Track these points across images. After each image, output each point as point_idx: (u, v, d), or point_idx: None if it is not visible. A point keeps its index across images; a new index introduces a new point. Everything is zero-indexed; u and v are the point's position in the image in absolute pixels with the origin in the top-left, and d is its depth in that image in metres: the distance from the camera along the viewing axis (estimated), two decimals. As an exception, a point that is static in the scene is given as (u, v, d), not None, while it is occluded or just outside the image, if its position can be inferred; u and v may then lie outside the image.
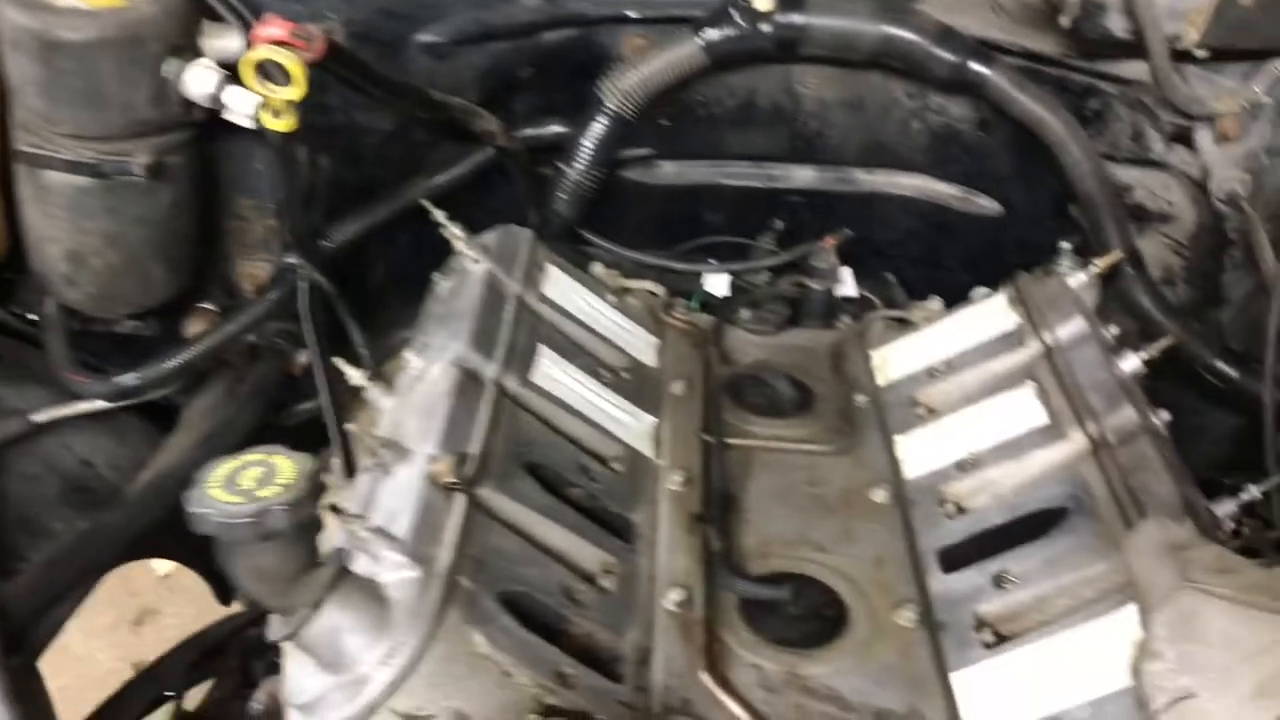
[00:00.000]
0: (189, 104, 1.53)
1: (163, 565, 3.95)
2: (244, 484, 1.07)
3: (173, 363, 1.71)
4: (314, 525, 1.10)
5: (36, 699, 1.49)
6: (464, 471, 1.33)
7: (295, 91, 1.38)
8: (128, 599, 3.78)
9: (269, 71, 1.38)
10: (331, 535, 1.22)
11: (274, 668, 1.87)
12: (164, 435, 2.00)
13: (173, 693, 1.80)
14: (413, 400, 1.53)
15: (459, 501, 1.30)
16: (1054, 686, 1.24)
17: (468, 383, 1.50)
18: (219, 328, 1.74)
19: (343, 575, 1.13)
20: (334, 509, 1.20)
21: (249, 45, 1.45)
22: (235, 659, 1.92)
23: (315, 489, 1.07)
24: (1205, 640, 0.85)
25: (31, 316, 1.91)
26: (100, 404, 1.73)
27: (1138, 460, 1.45)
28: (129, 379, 1.70)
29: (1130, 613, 1.27)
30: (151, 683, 1.77)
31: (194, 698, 1.88)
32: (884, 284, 2.20)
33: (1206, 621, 0.86)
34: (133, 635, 3.64)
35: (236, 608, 2.24)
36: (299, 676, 1.18)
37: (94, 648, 3.70)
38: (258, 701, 1.63)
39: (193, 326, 1.88)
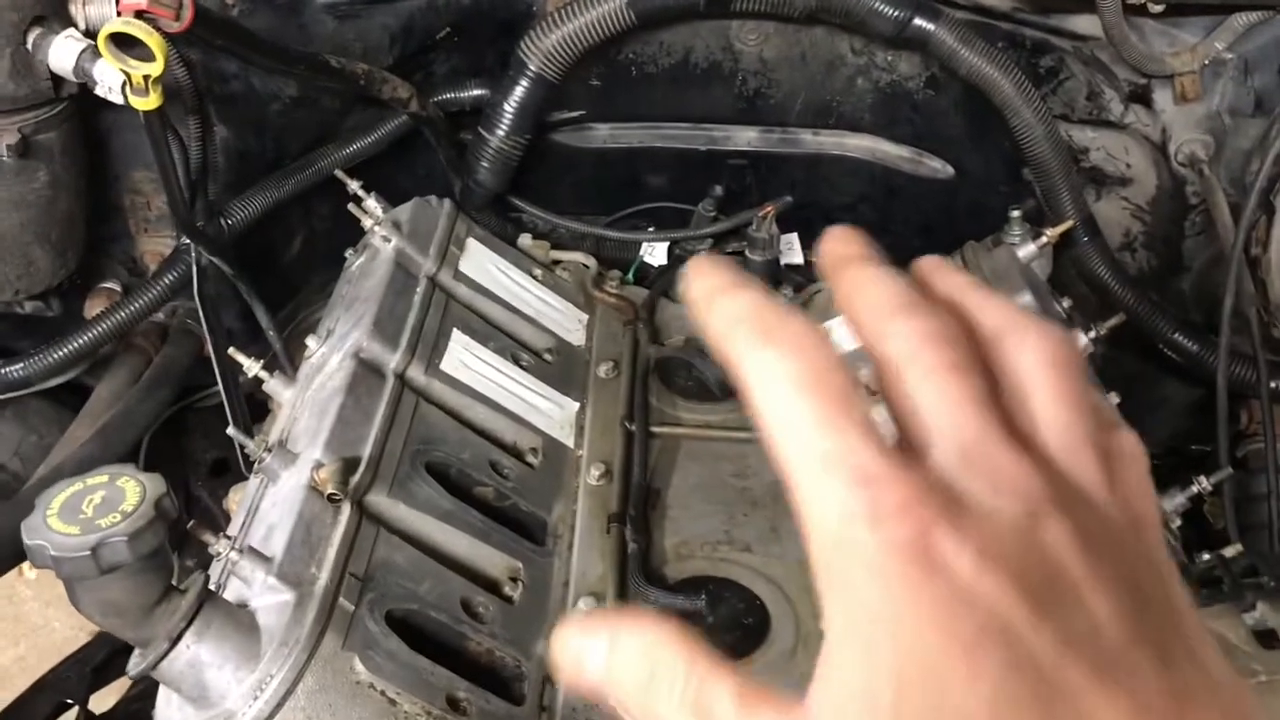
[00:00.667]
0: (59, 78, 1.41)
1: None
2: (85, 511, 0.97)
3: (62, 351, 1.61)
4: (165, 552, 1.01)
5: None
6: (351, 479, 1.24)
7: (155, 67, 1.26)
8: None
9: (128, 45, 1.26)
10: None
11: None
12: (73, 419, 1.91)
13: (72, 700, 1.71)
14: (308, 395, 1.44)
15: (345, 512, 1.21)
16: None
17: (365, 376, 1.40)
18: (112, 312, 1.63)
19: (203, 603, 1.03)
20: (195, 529, 1.10)
21: (120, 13, 1.33)
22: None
23: (162, 515, 0.97)
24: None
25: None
26: (-6, 393, 1.63)
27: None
28: (14, 371, 1.60)
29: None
30: (51, 691, 1.68)
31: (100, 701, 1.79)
32: (833, 250, 2.09)
33: None
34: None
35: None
36: (165, 708, 1.10)
37: (50, 616, 3.63)
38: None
39: (93, 307, 1.78)
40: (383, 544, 1.23)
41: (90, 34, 1.40)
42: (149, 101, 1.29)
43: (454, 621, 1.22)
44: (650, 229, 2.04)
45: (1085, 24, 1.74)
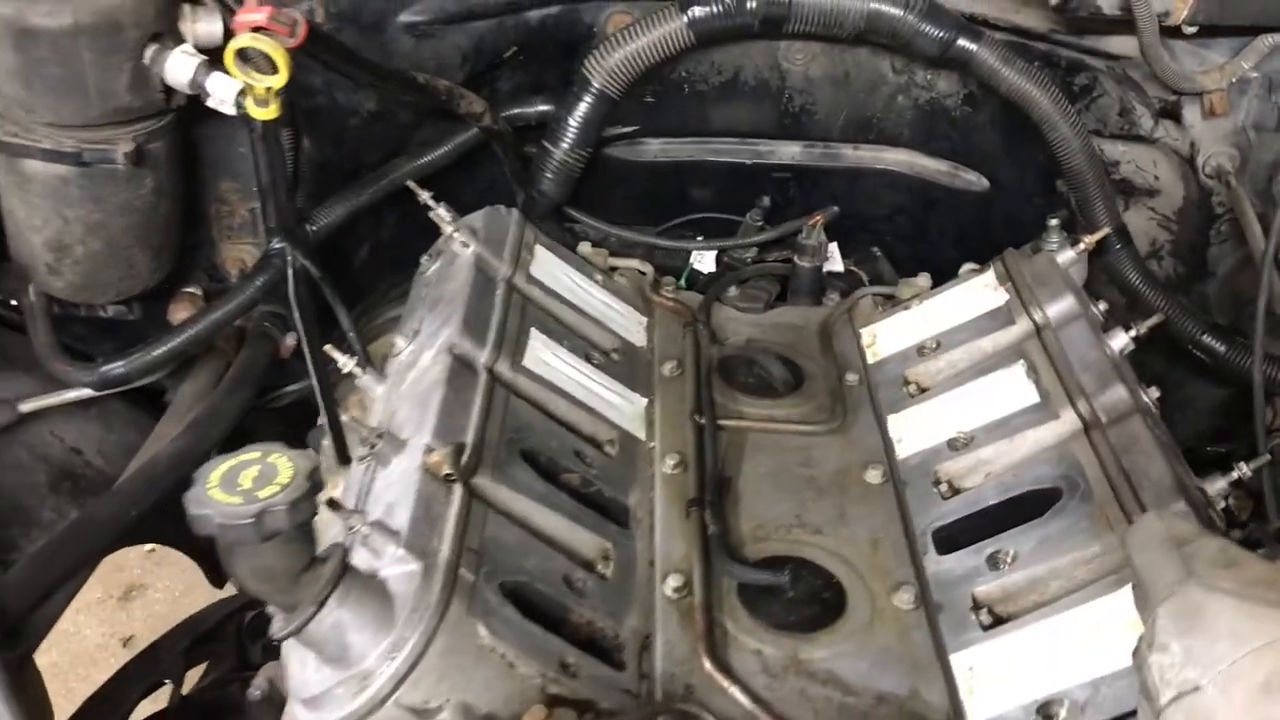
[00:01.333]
0: (170, 90, 1.51)
1: (148, 541, 3.96)
2: (243, 484, 1.05)
3: (159, 351, 1.69)
4: (312, 523, 1.09)
5: (33, 692, 1.48)
6: (461, 462, 1.33)
7: (279, 79, 1.36)
8: (115, 574, 3.76)
9: (251, 58, 1.35)
10: (328, 529, 1.22)
11: (272, 651, 1.88)
12: (151, 420, 1.99)
13: (169, 678, 1.79)
14: (405, 389, 1.53)
15: (457, 493, 1.30)
16: (1052, 667, 1.26)
17: (461, 370, 1.49)
18: (206, 314, 1.72)
19: (344, 571, 1.12)
20: (332, 504, 1.19)
21: (231, 30, 1.42)
22: (231, 642, 1.91)
23: (314, 487, 1.06)
24: (1211, 635, 0.85)
25: (13, 303, 1.90)
26: (85, 393, 1.71)
27: (1129, 440, 1.46)
28: (116, 368, 1.68)
29: (1125, 594, 1.29)
30: (148, 667, 1.76)
31: (190, 681, 1.87)
32: (871, 259, 2.21)
33: (1212, 616, 0.86)
34: (120, 610, 3.64)
35: (229, 590, 2.24)
36: (302, 672, 1.18)
37: (82, 623, 3.69)
38: (257, 688, 1.62)
39: (178, 312, 1.87)
40: (491, 522, 1.32)
41: (201, 50, 1.49)
42: (269, 112, 1.38)
43: (558, 594, 1.31)
44: (698, 238, 2.14)
45: (1118, 44, 1.86)
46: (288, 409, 2.04)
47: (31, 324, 1.75)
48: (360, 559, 1.19)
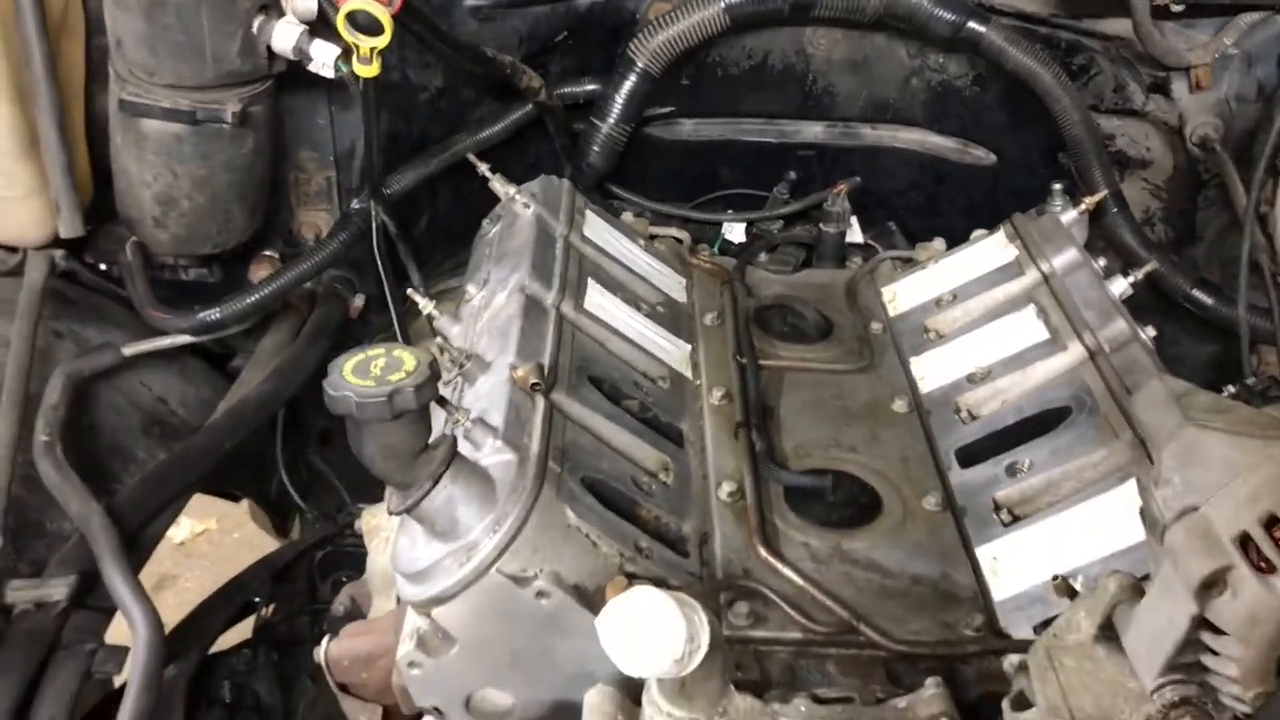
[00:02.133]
0: (272, 57, 1.69)
1: (179, 533, 4.09)
2: (374, 371, 1.22)
3: (252, 299, 1.86)
4: (429, 410, 1.25)
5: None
6: (543, 376, 1.50)
7: (383, 40, 1.54)
8: (147, 564, 3.90)
9: (358, 22, 1.54)
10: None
11: (340, 586, 2.04)
12: (223, 379, 2.16)
13: (253, 608, 1.95)
14: (482, 324, 1.70)
15: (540, 401, 1.47)
16: (1067, 550, 1.43)
17: (533, 307, 1.67)
18: (293, 267, 1.89)
19: (454, 455, 1.28)
20: (440, 401, 1.36)
21: (337, 2, 1.60)
22: (302, 581, 2.07)
23: (435, 374, 1.22)
24: (1205, 465, 1.02)
25: (102, 267, 2.07)
26: (183, 339, 1.87)
27: (1131, 363, 1.64)
28: (212, 314, 1.85)
29: (1130, 487, 1.47)
30: (231, 597, 1.92)
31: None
32: (887, 232, 2.39)
33: (1206, 450, 1.03)
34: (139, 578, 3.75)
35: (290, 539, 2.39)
36: (412, 549, 1.34)
37: (111, 613, 3.82)
38: (340, 604, 1.78)
39: (258, 272, 2.03)
40: (569, 428, 1.49)
41: (301, 19, 1.67)
42: (373, 69, 1.57)
43: (629, 491, 1.48)
44: (729, 211, 2.33)
45: (1113, 26, 2.06)
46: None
47: (129, 278, 1.91)
48: (464, 449, 1.36)
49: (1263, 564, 0.93)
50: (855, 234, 2.29)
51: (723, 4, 2.03)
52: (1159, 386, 1.14)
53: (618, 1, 2.15)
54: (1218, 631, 0.95)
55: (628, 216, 2.18)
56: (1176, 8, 1.89)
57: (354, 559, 2.09)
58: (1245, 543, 0.95)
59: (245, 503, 2.83)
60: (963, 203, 2.35)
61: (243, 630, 2.03)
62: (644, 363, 1.77)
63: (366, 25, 1.55)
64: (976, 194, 2.33)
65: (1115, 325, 1.70)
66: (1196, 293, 2.08)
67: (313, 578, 2.11)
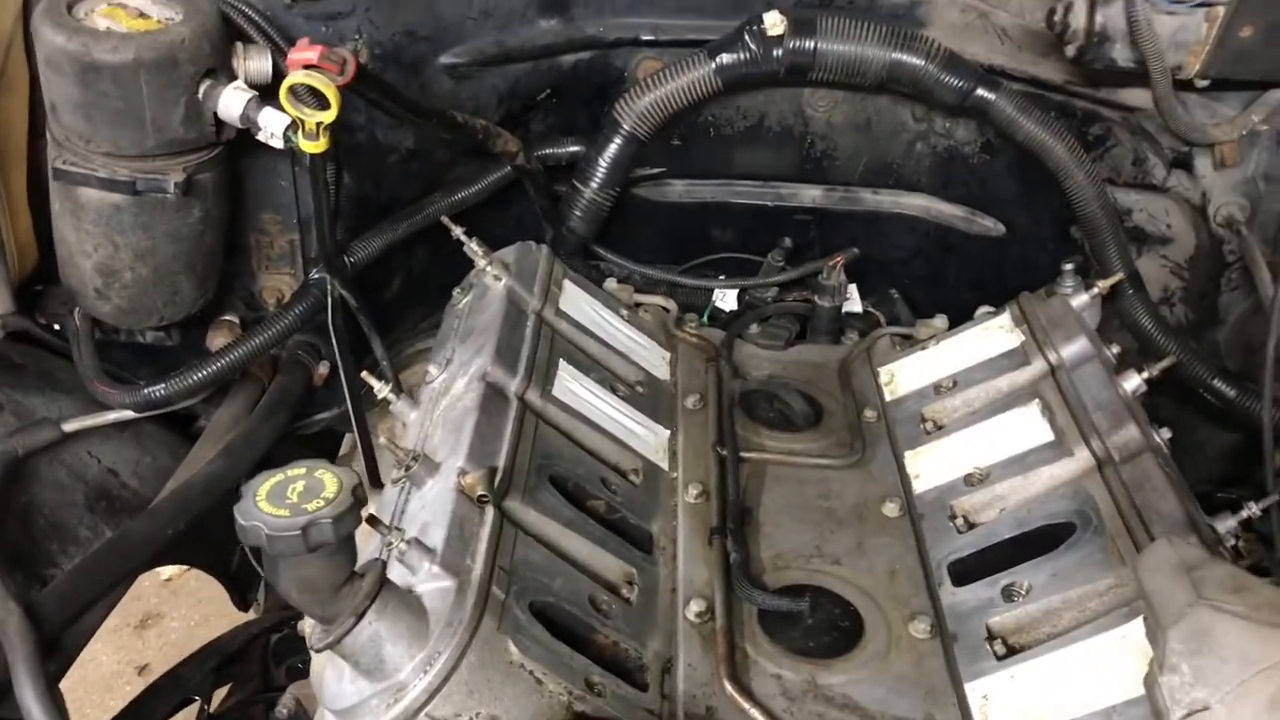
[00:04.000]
0: (220, 123, 1.57)
1: (165, 570, 4.00)
2: (290, 497, 1.10)
3: (201, 374, 1.75)
4: (353, 538, 1.13)
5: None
6: (494, 485, 1.37)
7: (329, 114, 1.42)
8: (131, 602, 3.80)
9: (302, 95, 1.42)
10: (365, 546, 1.26)
11: (296, 672, 1.92)
12: (184, 444, 2.05)
13: (197, 695, 1.83)
14: (439, 414, 1.58)
15: (489, 514, 1.35)
16: (1066, 696, 1.29)
17: (493, 397, 1.55)
18: (247, 339, 1.78)
19: (382, 585, 1.16)
20: (371, 520, 1.24)
21: (284, 68, 1.49)
22: (256, 664, 1.95)
23: (358, 502, 1.10)
24: (1220, 655, 0.89)
25: (55, 327, 1.96)
26: (128, 414, 1.76)
27: (1142, 478, 1.50)
28: (157, 390, 1.74)
29: (1137, 625, 1.33)
30: (176, 685, 1.80)
31: (214, 702, 1.91)
32: (889, 301, 2.26)
33: (1220, 637, 0.90)
34: (136, 638, 3.67)
35: (250, 615, 2.28)
36: (338, 684, 1.22)
37: (98, 650, 3.72)
38: (284, 706, 1.67)
39: (216, 339, 1.92)
40: (521, 543, 1.37)
41: (252, 86, 1.56)
42: (319, 145, 1.45)
43: (585, 615, 1.35)
44: (720, 277, 2.20)
45: (1132, 96, 1.92)
46: (316, 437, 2.09)
47: (75, 347, 1.81)
48: (396, 575, 1.24)
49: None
50: (854, 303, 2.16)
51: (714, 65, 1.90)
52: (1168, 551, 1.01)
53: (604, 58, 2.03)
54: None
55: (612, 283, 2.06)
56: (1201, 84, 1.75)
57: (310, 645, 1.98)
58: (1265, 762, 0.82)
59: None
60: (969, 274, 2.21)
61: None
62: (615, 454, 1.65)
63: (312, 99, 1.43)
64: (984, 266, 2.20)
65: (1126, 431, 1.56)
66: (1218, 384, 1.94)
67: (267, 662, 2.00)
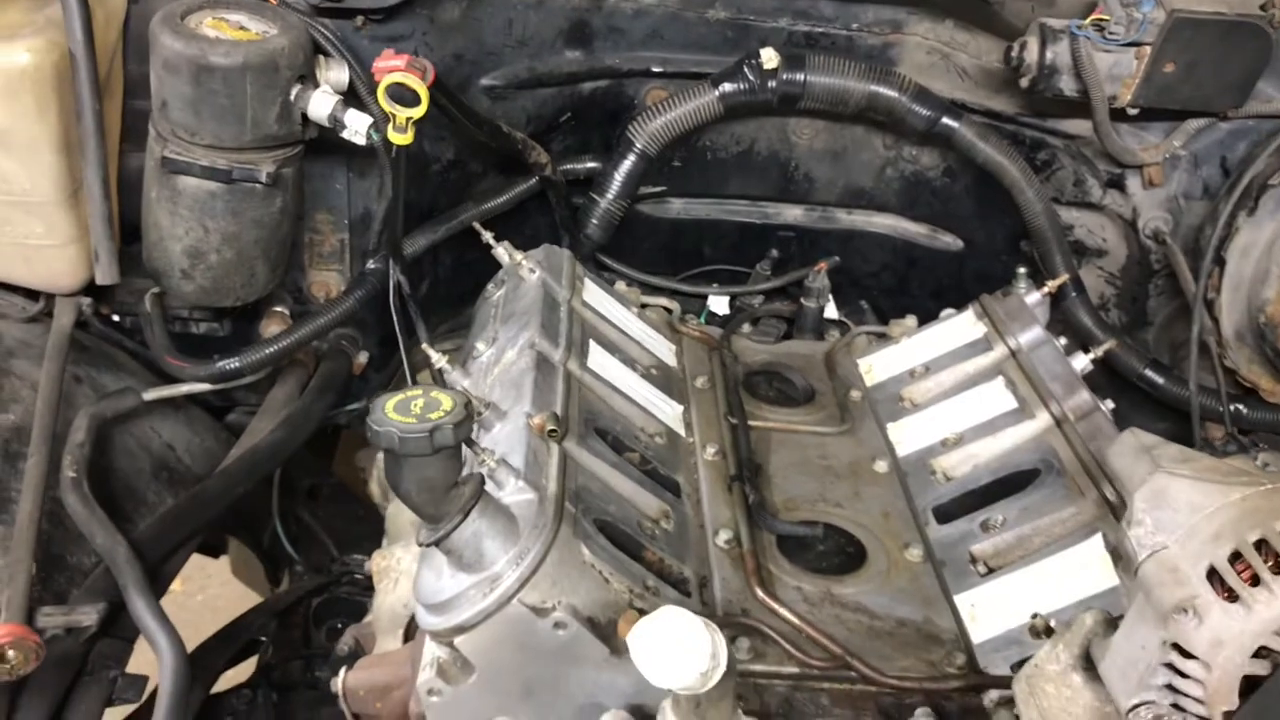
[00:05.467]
0: (306, 123, 1.80)
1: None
2: (415, 410, 1.31)
3: (270, 350, 1.95)
4: (462, 447, 1.35)
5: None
6: (558, 423, 1.60)
7: (419, 110, 1.67)
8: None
9: (396, 94, 1.67)
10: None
11: (335, 633, 2.11)
12: (225, 429, 2.24)
13: (254, 649, 2.01)
14: (494, 378, 1.80)
15: (554, 448, 1.58)
16: (1039, 598, 1.55)
17: (543, 362, 1.78)
18: (309, 321, 1.99)
19: (483, 491, 1.38)
20: (469, 443, 1.46)
21: (374, 74, 1.73)
22: (299, 625, 2.13)
23: (471, 414, 1.32)
24: (1173, 507, 1.15)
25: (115, 319, 2.16)
26: (201, 386, 1.96)
27: (1095, 430, 1.78)
28: (231, 363, 1.94)
29: (1096, 541, 1.60)
30: (230, 639, 1.98)
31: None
32: (859, 311, 2.54)
33: (1174, 495, 1.16)
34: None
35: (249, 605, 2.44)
36: (435, 580, 1.42)
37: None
38: (344, 644, 1.85)
39: (269, 327, 2.13)
40: (580, 474, 1.60)
41: (335, 90, 1.80)
42: (407, 138, 1.69)
43: (635, 534, 1.58)
44: (714, 285, 2.47)
45: (1073, 126, 2.24)
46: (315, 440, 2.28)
47: (148, 327, 2.00)
48: (488, 488, 1.46)
49: (1227, 594, 1.06)
50: (831, 310, 2.44)
51: (717, 93, 2.18)
52: (1131, 438, 1.28)
53: (618, 87, 2.31)
54: (1186, 655, 1.07)
55: (620, 287, 2.31)
56: (1132, 111, 2.07)
57: (349, 606, 2.17)
58: (1211, 575, 1.07)
59: (224, 560, 2.89)
60: (931, 285, 2.50)
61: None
62: (641, 419, 1.88)
63: (403, 97, 1.68)
64: (944, 277, 2.49)
65: (1079, 396, 1.85)
66: (1149, 373, 2.24)
67: (308, 624, 2.18)
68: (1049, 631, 1.41)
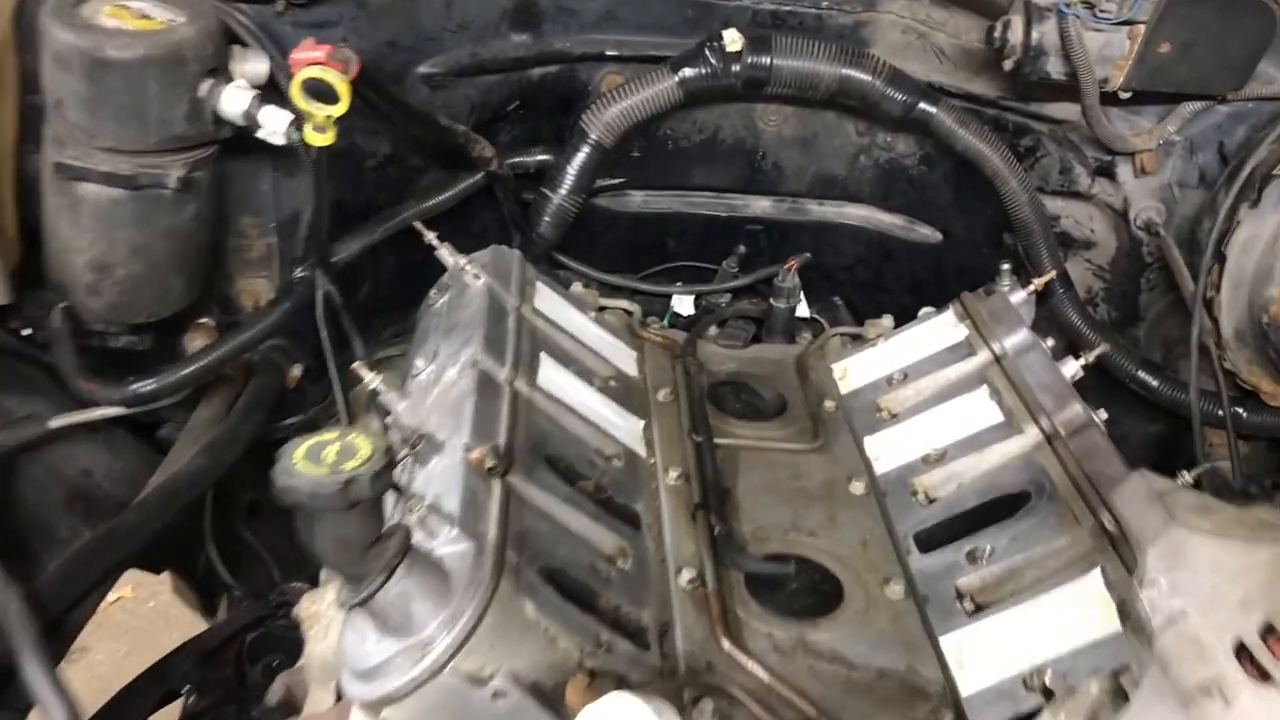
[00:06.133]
0: (219, 122, 1.63)
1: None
2: (327, 458, 1.15)
3: (188, 370, 1.78)
4: (382, 500, 1.20)
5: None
6: (499, 458, 1.44)
7: (340, 108, 1.50)
8: (57, 633, 3.73)
9: (313, 89, 1.49)
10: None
11: (270, 672, 1.94)
12: (151, 451, 2.07)
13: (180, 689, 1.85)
14: (433, 401, 1.64)
15: (496, 485, 1.42)
16: (1034, 643, 1.41)
17: (486, 383, 1.61)
18: (231, 337, 1.82)
19: (409, 546, 1.22)
20: (396, 488, 1.30)
21: (289, 67, 1.55)
22: (231, 664, 1.97)
23: (392, 462, 1.17)
24: (1193, 568, 1.01)
25: (25, 332, 1.97)
26: (113, 410, 1.79)
27: (1089, 448, 1.64)
28: (146, 385, 1.77)
29: (1095, 577, 1.46)
30: (156, 681, 1.81)
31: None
32: (832, 306, 2.39)
33: (1193, 552, 1.02)
34: (63, 673, 3.59)
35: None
36: (360, 644, 1.27)
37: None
38: (274, 694, 1.69)
39: (194, 341, 1.95)
40: (526, 513, 1.44)
41: (252, 84, 1.62)
42: (327, 138, 1.52)
43: (588, 580, 1.43)
44: (678, 284, 2.31)
45: (1059, 110, 2.09)
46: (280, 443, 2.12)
47: (57, 346, 1.82)
48: (417, 539, 1.30)
49: (1258, 673, 0.92)
50: (802, 309, 2.28)
51: (676, 78, 2.02)
52: (1141, 483, 1.13)
53: (570, 72, 2.14)
54: (1211, 741, 0.93)
55: (576, 288, 2.15)
56: (1124, 95, 1.92)
57: (287, 643, 2.00)
58: (1240, 651, 0.93)
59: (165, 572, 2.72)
60: (908, 279, 2.36)
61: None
62: (598, 440, 1.73)
63: (322, 93, 1.50)
64: (922, 271, 2.35)
65: (1071, 409, 1.70)
66: (1142, 374, 2.11)
67: (242, 662, 2.02)
68: (1046, 691, 1.27)
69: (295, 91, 1.48)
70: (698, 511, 1.63)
